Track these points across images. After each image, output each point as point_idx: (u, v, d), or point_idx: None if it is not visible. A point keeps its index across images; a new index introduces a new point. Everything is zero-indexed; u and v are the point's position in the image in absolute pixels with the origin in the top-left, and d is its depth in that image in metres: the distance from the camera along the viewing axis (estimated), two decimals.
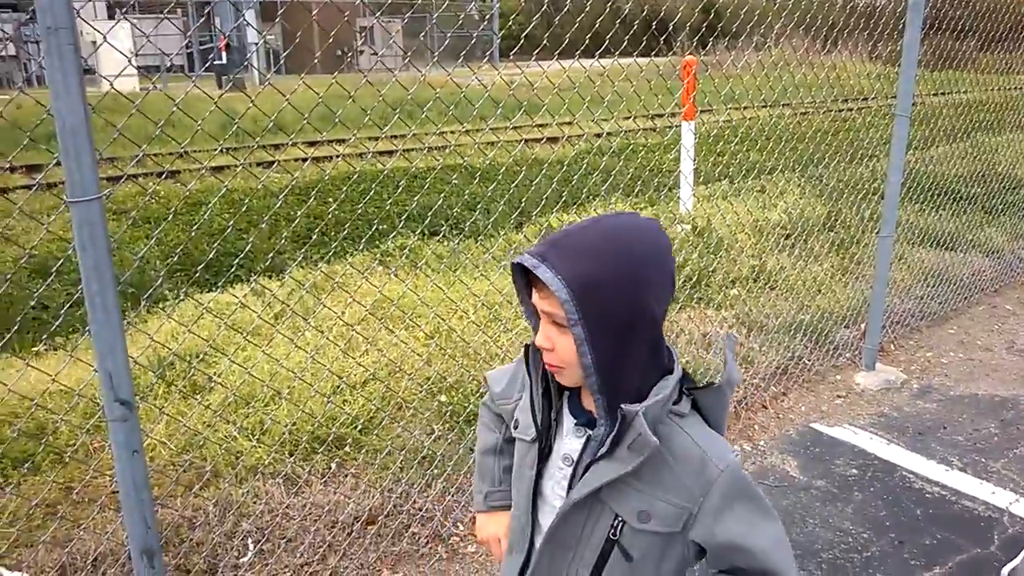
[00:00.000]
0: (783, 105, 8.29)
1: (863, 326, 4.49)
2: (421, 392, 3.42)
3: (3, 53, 23.95)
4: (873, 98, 8.61)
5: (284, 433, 3.10)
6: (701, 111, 10.79)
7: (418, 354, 3.56)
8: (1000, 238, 6.38)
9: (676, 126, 10.78)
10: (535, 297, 1.08)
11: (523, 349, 1.20)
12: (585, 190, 5.67)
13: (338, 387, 3.32)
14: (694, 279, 4.62)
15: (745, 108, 5.92)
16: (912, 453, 3.51)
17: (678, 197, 5.92)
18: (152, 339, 2.65)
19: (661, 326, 1.08)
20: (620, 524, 1.08)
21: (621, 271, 1.00)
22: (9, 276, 4.24)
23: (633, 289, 1.01)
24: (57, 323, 2.75)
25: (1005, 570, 1.72)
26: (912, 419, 3.84)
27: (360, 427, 3.21)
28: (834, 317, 4.68)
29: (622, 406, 1.02)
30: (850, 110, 10.60)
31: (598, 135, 9.61)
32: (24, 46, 24.57)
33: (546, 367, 1.12)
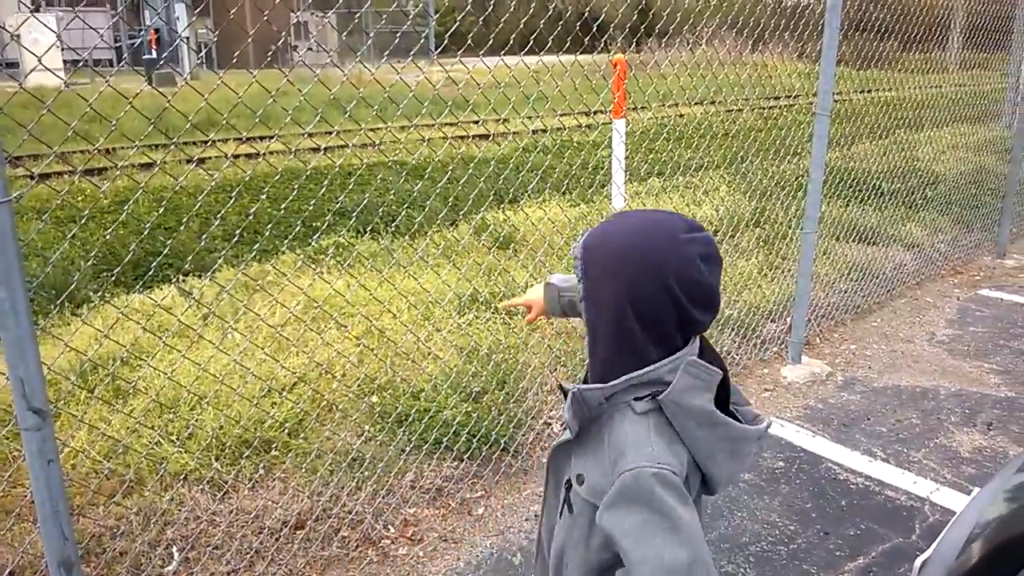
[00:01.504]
0: (712, 103, 8.46)
1: (789, 320, 4.63)
2: (351, 394, 3.39)
3: None
4: (797, 96, 8.87)
5: (210, 438, 3.04)
6: (632, 108, 10.96)
7: (347, 356, 3.52)
8: (921, 232, 6.65)
9: (608, 123, 10.94)
10: None
11: None
12: (519, 187, 5.70)
13: (266, 390, 3.27)
14: None
15: (675, 106, 6.02)
16: (837, 445, 3.64)
17: (610, 194, 6.00)
18: (67, 345, 2.56)
19: (660, 328, 1.11)
20: (571, 479, 1.20)
21: (622, 249, 1.11)
22: None
23: (622, 270, 1.10)
24: None
25: (917, 561, 1.80)
26: (837, 411, 3.98)
27: (288, 430, 3.16)
28: (761, 312, 4.80)
29: (569, 385, 1.15)
30: (779, 108, 10.90)
31: (532, 131, 9.66)
32: None
33: None
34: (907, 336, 4.98)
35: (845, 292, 5.37)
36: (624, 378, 1.11)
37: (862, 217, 6.48)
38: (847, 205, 6.66)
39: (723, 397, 1.15)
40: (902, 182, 7.21)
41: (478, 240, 5.47)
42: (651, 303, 1.09)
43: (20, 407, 1.65)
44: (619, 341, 1.12)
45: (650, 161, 7.48)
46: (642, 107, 10.93)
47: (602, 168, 7.53)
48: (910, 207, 7.05)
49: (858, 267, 5.64)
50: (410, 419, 3.24)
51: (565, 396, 1.17)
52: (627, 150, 5.44)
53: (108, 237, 5.83)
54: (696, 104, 8.01)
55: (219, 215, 6.12)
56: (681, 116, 9.08)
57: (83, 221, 4.77)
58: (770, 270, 5.44)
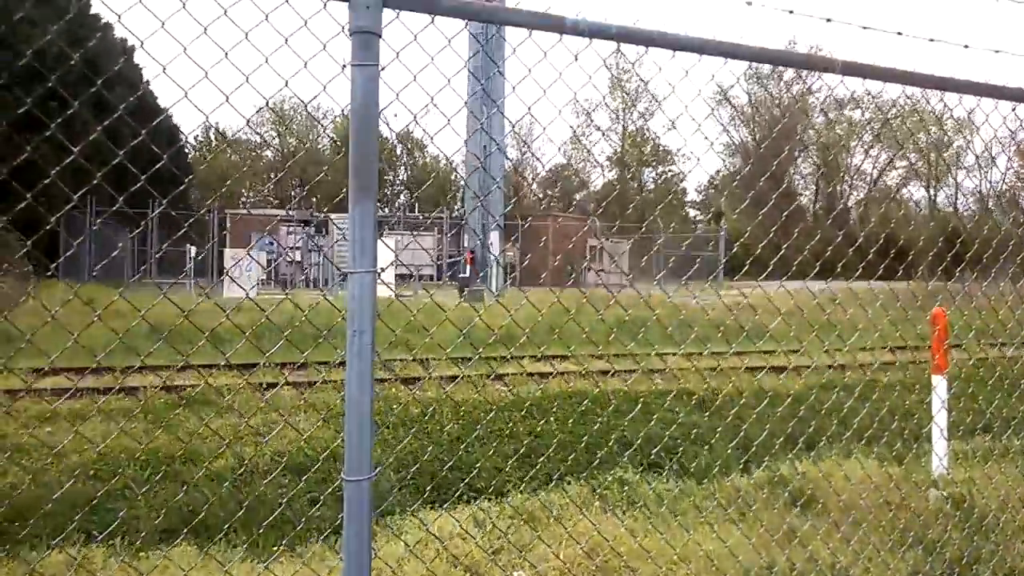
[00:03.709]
0: None
1: None
2: None
3: (291, 259, 28.32)
4: None
5: None
6: (951, 345, 9.93)
7: None
8: None
9: (922, 362, 9.99)
10: None
11: None
12: (817, 431, 5.31)
13: None
14: (956, 571, 4.01)
15: (1000, 346, 5.36)
16: None
17: (931, 452, 5.34)
18: (387, 565, 2.78)
19: None
20: None
21: None
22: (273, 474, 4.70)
23: None
24: (298, 528, 2.97)
25: None
26: None
27: None
28: None
29: None
30: None
31: (830, 367, 9.12)
32: (308, 255, 28.94)
33: None
34: None
35: None
36: None
37: None
38: None
39: None
40: None
41: (770, 493, 5.11)
42: None
43: None
44: None
45: (972, 412, 6.63)
46: (959, 345, 9.91)
47: (914, 415, 6.81)
48: None
49: None
50: None
51: None
52: (949, 409, 4.89)
53: (417, 445, 6.40)
54: None
55: (512, 434, 6.47)
56: (1008, 359, 8.04)
57: (392, 428, 5.30)
58: None
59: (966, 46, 2.88)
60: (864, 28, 2.65)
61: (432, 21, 1.97)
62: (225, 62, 1.99)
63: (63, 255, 19.26)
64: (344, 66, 1.83)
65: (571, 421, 7.26)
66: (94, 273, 8.09)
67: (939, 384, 4.57)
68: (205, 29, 1.89)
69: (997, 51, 3.01)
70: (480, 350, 10.08)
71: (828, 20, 2.72)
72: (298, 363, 10.01)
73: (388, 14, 1.86)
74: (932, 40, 2.82)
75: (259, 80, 2.07)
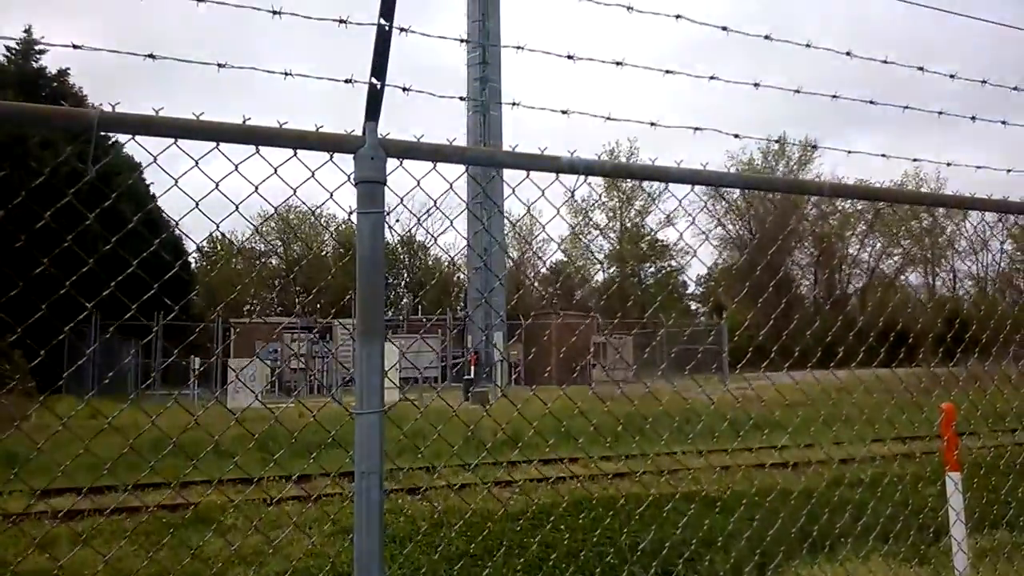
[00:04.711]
0: None
1: None
2: None
3: (295, 366, 28.30)
4: None
5: None
6: (959, 434, 9.78)
7: None
8: None
9: (932, 452, 9.83)
10: None
11: None
12: (831, 530, 5.16)
13: None
14: None
15: (1012, 431, 5.32)
16: None
17: (952, 549, 5.20)
18: None
19: None
20: None
21: None
22: None
23: None
24: None
25: None
26: None
27: None
28: None
29: None
30: None
31: (843, 460, 8.98)
32: (313, 360, 28.94)
33: None
34: None
35: None
36: None
37: None
38: None
39: None
40: None
41: None
42: None
43: None
44: None
45: (991, 502, 6.50)
46: (969, 432, 9.77)
47: (929, 508, 6.66)
48: None
49: None
50: None
51: None
52: (966, 502, 4.81)
53: (427, 560, 6.25)
54: None
55: (523, 544, 6.32)
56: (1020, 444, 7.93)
57: (399, 542, 5.19)
58: None
59: (948, 163, 3.04)
60: (848, 152, 2.79)
61: (435, 167, 2.09)
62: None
63: (68, 369, 19.22)
64: (351, 212, 1.93)
65: (585, 531, 7.10)
66: (100, 384, 8.09)
67: (954, 482, 4.52)
68: (216, 185, 2.00)
69: (979, 167, 3.15)
70: (486, 452, 9.96)
71: (814, 147, 2.87)
72: (304, 474, 9.87)
73: (392, 158, 1.97)
74: (915, 160, 2.97)
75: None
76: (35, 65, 31.49)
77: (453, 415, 2.73)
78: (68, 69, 32.13)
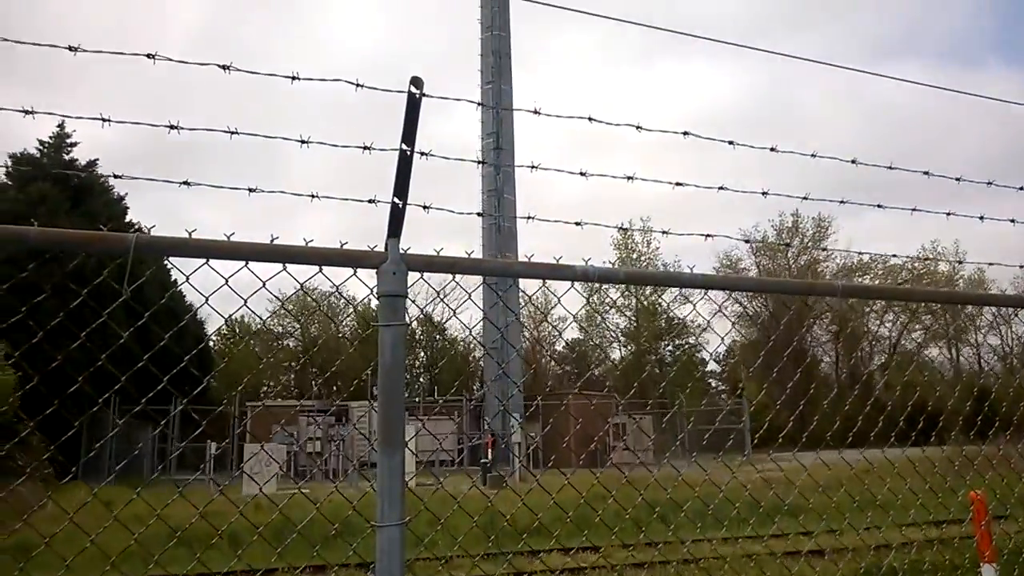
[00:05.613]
0: None
1: None
2: None
3: (310, 450, 28.04)
4: None
5: None
6: (995, 518, 9.42)
7: None
8: None
9: (970, 537, 9.42)
10: None
11: None
12: None
13: None
14: None
15: None
16: None
17: None
18: None
19: None
20: None
21: None
22: None
23: None
24: None
25: None
26: None
27: None
28: None
29: None
30: None
31: (878, 546, 8.65)
32: (328, 444, 28.67)
33: None
34: None
35: None
36: None
37: None
38: None
39: None
40: None
41: None
42: None
43: None
44: None
45: None
46: (1005, 516, 9.39)
47: None
48: None
49: None
50: None
51: None
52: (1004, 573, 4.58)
53: None
54: None
55: None
56: None
57: None
58: None
59: (960, 261, 3.05)
60: (859, 253, 2.81)
61: (453, 278, 2.14)
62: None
63: (84, 457, 19.19)
64: (371, 325, 1.96)
65: None
66: (115, 473, 8.00)
67: (987, 573, 4.33)
68: (245, 302, 2.05)
69: (991, 264, 3.19)
70: (511, 547, 9.68)
71: (825, 249, 2.89)
72: (318, 564, 9.63)
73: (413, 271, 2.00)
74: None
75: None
76: (65, 157, 32.67)
77: (474, 517, 2.66)
78: (96, 160, 33.25)
